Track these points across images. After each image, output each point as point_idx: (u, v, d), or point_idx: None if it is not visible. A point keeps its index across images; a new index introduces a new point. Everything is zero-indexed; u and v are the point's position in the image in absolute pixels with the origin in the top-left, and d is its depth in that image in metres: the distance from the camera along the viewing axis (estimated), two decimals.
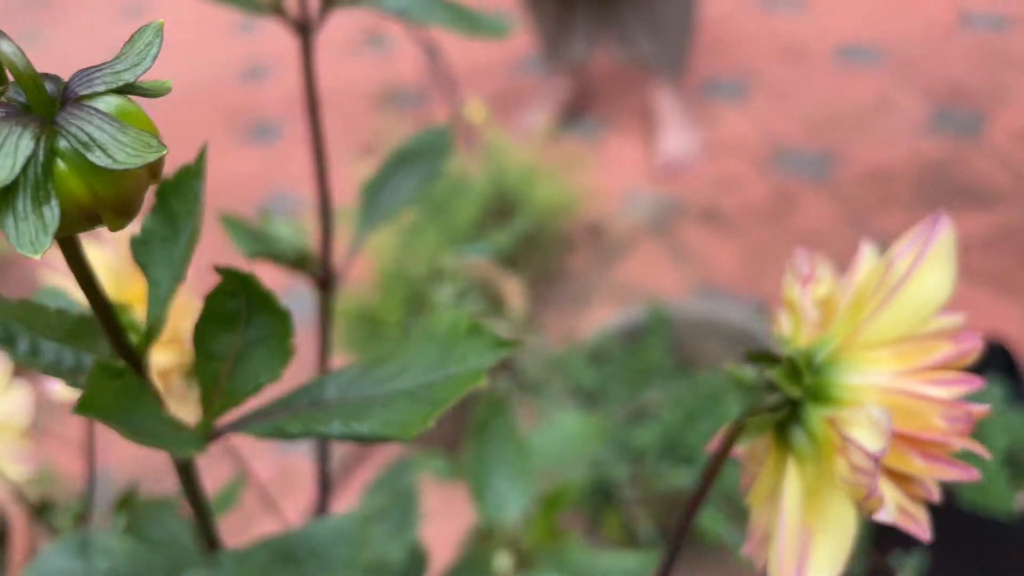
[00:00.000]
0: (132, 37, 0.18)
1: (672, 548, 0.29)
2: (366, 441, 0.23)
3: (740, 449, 0.26)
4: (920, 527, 0.22)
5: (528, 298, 1.42)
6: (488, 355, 0.24)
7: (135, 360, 0.22)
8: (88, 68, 0.18)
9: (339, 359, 1.33)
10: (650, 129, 1.71)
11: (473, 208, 1.39)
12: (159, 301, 0.23)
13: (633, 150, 1.71)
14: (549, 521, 0.46)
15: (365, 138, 1.72)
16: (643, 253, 1.54)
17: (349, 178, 1.53)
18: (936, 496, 0.23)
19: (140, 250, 0.23)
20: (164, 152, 0.16)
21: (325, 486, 0.49)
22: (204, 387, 0.24)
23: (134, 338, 0.23)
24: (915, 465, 0.22)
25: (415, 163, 0.46)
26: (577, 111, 1.78)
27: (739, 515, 1.05)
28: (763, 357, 0.24)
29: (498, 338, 0.24)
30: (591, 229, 1.59)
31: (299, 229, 0.44)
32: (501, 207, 1.47)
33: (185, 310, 0.44)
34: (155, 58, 0.18)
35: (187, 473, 0.27)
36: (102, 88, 0.17)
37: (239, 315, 0.23)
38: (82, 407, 0.20)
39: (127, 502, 0.53)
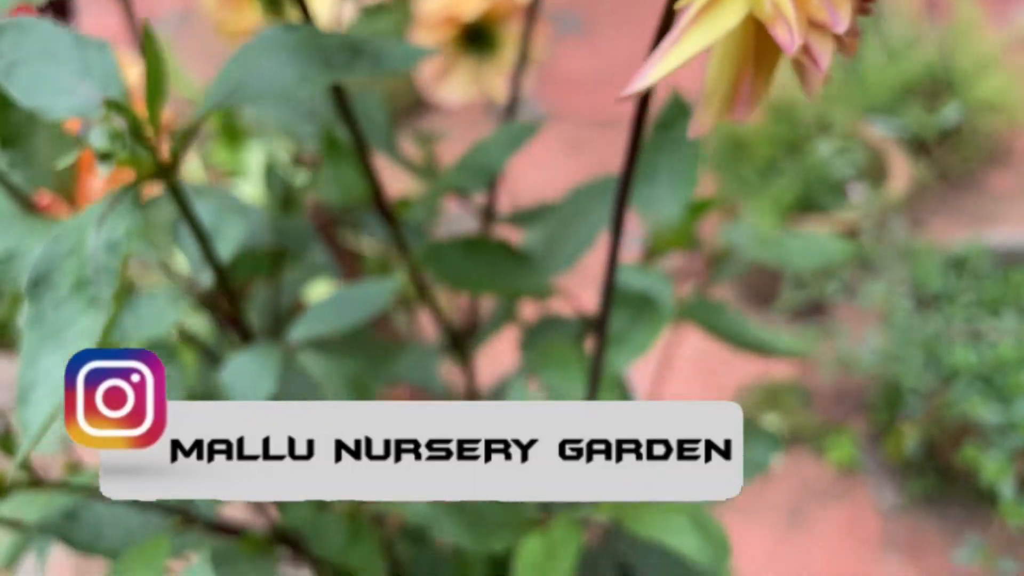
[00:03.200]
0: None
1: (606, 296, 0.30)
2: None
3: None
4: (788, 40, 0.19)
5: (918, 188, 1.31)
6: None
7: None
8: None
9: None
10: None
11: (897, 77, 1.28)
12: None
13: None
14: (689, 224, 0.46)
15: None
16: None
17: None
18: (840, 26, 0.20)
19: None
20: None
21: None
22: None
23: None
24: None
25: None
26: None
27: None
28: None
29: None
30: None
31: None
32: (934, 88, 1.33)
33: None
34: None
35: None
36: None
37: None
38: None
39: None
